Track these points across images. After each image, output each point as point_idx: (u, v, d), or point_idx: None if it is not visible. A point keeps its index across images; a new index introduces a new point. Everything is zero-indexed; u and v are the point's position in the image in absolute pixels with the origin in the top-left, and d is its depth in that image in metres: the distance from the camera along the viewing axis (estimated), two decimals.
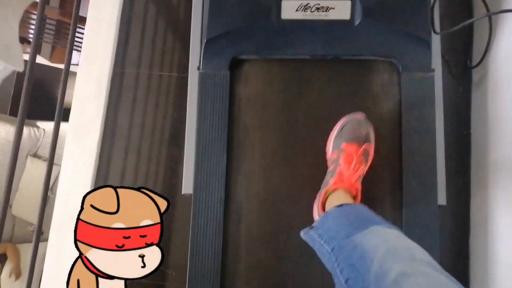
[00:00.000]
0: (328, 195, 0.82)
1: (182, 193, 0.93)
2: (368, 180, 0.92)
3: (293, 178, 0.93)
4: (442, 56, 1.01)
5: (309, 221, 0.89)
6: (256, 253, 0.90)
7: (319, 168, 0.92)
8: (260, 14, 0.91)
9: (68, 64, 0.92)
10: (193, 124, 0.93)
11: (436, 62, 0.98)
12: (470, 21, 0.90)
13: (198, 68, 0.94)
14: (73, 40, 0.97)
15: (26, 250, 2.19)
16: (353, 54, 0.95)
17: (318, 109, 0.95)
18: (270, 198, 0.92)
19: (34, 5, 1.91)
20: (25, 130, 2.28)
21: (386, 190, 0.92)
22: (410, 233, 0.87)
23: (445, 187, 0.94)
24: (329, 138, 0.90)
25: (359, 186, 0.81)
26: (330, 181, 0.82)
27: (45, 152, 2.30)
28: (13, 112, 2.39)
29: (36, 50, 0.83)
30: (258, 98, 0.96)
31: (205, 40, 0.92)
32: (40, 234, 1.01)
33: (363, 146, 0.83)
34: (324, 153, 0.93)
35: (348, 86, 0.97)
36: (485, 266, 0.93)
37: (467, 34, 1.07)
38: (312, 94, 0.96)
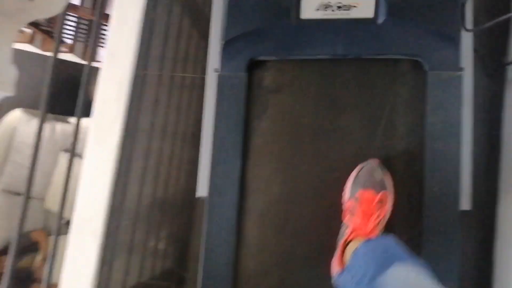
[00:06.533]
0: (346, 245, 0.80)
1: (197, 196, 0.93)
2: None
3: (310, 185, 0.91)
4: (476, 51, 0.96)
5: (327, 228, 0.87)
6: (270, 261, 0.89)
7: (339, 176, 0.89)
8: (278, 15, 0.89)
9: (91, 61, 0.94)
10: (210, 126, 0.92)
11: (467, 60, 0.92)
12: (502, 18, 0.84)
13: (216, 70, 0.93)
14: (96, 39, 0.99)
15: (58, 242, 2.28)
16: (376, 53, 0.91)
17: (339, 112, 0.92)
18: (286, 205, 0.90)
19: (69, 7, 1.98)
20: (59, 126, 2.36)
21: (408, 196, 0.88)
22: (430, 241, 0.84)
23: (471, 191, 0.89)
24: (345, 187, 0.87)
25: (378, 233, 0.79)
26: (346, 231, 0.80)
27: (79, 147, 2.40)
28: (49, 109, 2.48)
29: (58, 49, 0.85)
30: (277, 101, 0.94)
31: (223, 42, 0.90)
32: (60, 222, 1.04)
33: (380, 193, 0.81)
34: (345, 157, 0.90)
35: (371, 86, 0.93)
36: (509, 276, 0.87)
37: (504, 30, 1.00)
38: (333, 96, 0.93)
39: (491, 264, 0.94)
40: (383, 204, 0.82)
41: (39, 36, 2.03)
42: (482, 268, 0.94)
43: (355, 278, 0.69)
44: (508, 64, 0.98)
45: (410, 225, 0.87)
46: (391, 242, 0.73)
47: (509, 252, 0.89)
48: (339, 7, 0.88)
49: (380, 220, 0.81)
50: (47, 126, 2.31)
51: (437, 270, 0.82)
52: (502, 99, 0.99)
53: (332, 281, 0.79)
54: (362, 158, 0.90)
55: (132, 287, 1.01)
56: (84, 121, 1.15)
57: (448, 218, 0.85)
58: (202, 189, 0.93)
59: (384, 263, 0.65)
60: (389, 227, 0.87)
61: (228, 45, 0.91)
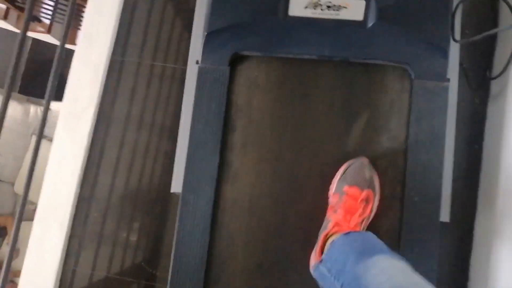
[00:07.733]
0: (327, 239, 0.78)
1: (171, 191, 0.89)
2: None
3: (290, 182, 0.88)
4: (461, 64, 0.95)
5: (301, 229, 0.85)
6: (242, 262, 0.86)
7: (317, 175, 0.88)
8: (266, 9, 0.86)
9: (64, 41, 0.89)
10: (188, 120, 0.89)
11: (453, 71, 0.92)
12: (493, 31, 0.83)
13: (197, 62, 0.89)
14: (70, 19, 0.94)
15: (26, 227, 2.22)
16: (363, 57, 0.89)
17: (320, 113, 0.90)
18: (262, 204, 0.87)
19: None
20: (32, 109, 2.28)
21: (387, 205, 0.86)
22: (408, 251, 0.83)
23: (450, 203, 0.89)
24: (333, 182, 0.86)
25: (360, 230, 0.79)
26: (329, 225, 0.79)
27: (51, 131, 2.33)
28: (23, 90, 2.38)
29: (27, 26, 0.80)
30: (258, 97, 0.91)
31: (206, 33, 0.87)
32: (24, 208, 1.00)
33: (365, 191, 0.80)
34: (322, 162, 0.88)
35: (355, 90, 0.91)
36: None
37: (490, 44, 1.00)
38: (315, 97, 0.90)
39: (467, 278, 0.93)
40: (368, 202, 0.81)
41: (14, 13, 1.94)
42: (458, 281, 0.94)
43: (334, 269, 0.67)
44: (493, 78, 0.97)
45: (389, 233, 0.85)
46: (371, 236, 0.72)
47: (485, 266, 0.89)
48: (328, 7, 0.85)
49: (364, 218, 0.80)
50: (20, 108, 2.22)
51: None
52: (484, 113, 0.99)
53: (312, 273, 0.77)
54: (343, 158, 0.88)
55: (99, 281, 0.98)
56: (58, 104, 1.10)
57: (428, 228, 0.84)
58: (177, 185, 0.89)
59: (364, 253, 0.64)
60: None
61: (211, 37, 0.87)
